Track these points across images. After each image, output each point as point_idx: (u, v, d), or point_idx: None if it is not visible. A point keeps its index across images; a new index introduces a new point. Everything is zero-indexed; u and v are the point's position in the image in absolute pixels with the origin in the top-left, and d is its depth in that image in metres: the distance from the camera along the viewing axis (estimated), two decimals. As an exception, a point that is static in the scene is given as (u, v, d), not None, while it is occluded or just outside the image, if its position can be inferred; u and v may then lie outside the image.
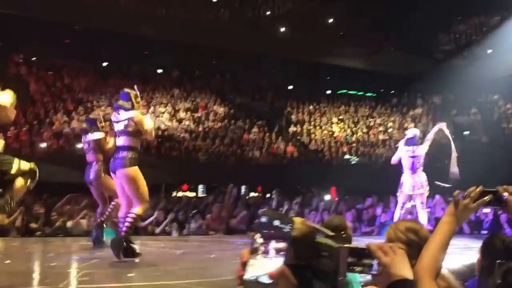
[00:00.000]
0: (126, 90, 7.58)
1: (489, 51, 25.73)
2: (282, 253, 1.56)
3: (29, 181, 5.25)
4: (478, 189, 2.06)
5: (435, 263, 1.99)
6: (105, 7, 21.73)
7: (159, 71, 25.24)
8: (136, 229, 11.40)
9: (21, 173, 5.17)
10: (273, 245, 1.57)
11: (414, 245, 2.49)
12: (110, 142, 8.91)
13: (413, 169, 10.32)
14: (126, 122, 7.40)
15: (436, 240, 2.03)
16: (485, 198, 2.05)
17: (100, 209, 9.35)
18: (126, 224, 7.30)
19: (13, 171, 5.08)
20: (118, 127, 7.50)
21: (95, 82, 21.91)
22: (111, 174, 7.64)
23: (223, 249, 9.32)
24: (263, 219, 1.58)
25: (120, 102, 7.50)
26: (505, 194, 2.05)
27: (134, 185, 7.40)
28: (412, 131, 10.63)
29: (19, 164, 5.17)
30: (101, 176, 8.93)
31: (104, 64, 24.23)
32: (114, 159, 7.50)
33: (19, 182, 5.16)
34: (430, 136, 10.57)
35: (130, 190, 7.41)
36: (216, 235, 11.83)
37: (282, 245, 1.57)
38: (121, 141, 7.46)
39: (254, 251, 1.54)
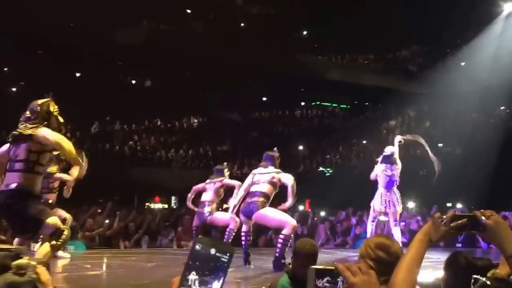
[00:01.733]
0: None
1: (462, 63, 26.06)
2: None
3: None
4: (456, 214, 2.04)
5: (410, 278, 1.95)
6: (80, 15, 21.54)
7: (133, 81, 25.07)
8: (108, 242, 11.23)
9: None
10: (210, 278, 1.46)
11: (383, 262, 2.58)
12: None
13: (388, 187, 10.32)
14: None
15: (409, 256, 2.00)
16: (461, 223, 2.01)
17: None
18: None
19: None
20: None
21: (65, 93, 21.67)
22: None
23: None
24: (198, 247, 1.46)
25: None
26: (483, 218, 2.02)
27: None
28: (390, 149, 10.63)
29: None
30: None
31: (78, 74, 24.00)
32: None
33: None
34: (396, 152, 10.59)
35: None
36: (188, 247, 11.67)
37: (218, 274, 1.46)
38: None
39: (184, 279, 1.44)
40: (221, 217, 10.07)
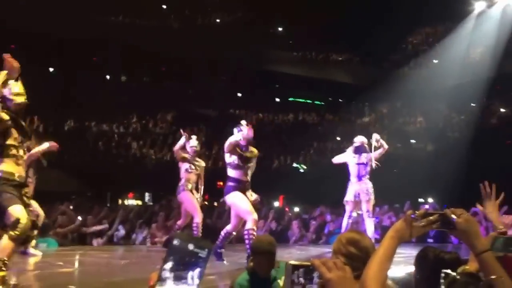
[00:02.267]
0: None
1: (435, 61, 26.34)
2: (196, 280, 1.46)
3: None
4: (427, 212, 2.08)
5: (381, 273, 1.98)
6: (50, 11, 21.28)
7: (107, 77, 24.86)
8: (81, 239, 11.13)
9: None
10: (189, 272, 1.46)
11: (354, 257, 2.60)
12: None
13: (359, 177, 10.37)
14: None
15: (381, 252, 2.03)
16: (432, 220, 2.05)
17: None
18: None
19: None
20: None
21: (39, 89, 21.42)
22: None
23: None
24: (176, 242, 1.46)
25: None
26: (453, 216, 2.06)
27: None
28: (360, 139, 10.67)
29: None
30: None
31: (51, 69, 23.72)
32: None
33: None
34: (385, 145, 10.61)
35: None
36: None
37: (197, 272, 1.47)
38: None
39: (162, 274, 1.44)
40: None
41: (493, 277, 2.00)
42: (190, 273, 1.44)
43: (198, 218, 9.61)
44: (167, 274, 1.42)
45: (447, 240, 11.60)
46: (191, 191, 9.96)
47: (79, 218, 11.36)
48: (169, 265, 1.43)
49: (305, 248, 11.40)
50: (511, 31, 23.83)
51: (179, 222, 10.06)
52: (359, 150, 10.47)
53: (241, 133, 8.19)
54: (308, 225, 13.46)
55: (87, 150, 18.55)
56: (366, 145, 10.54)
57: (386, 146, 10.52)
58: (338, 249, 2.69)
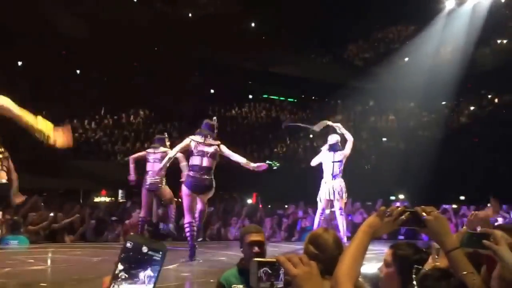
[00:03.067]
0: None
1: (406, 59, 26.57)
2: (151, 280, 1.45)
3: None
4: (399, 209, 2.10)
5: (354, 269, 1.99)
6: (22, 3, 20.99)
7: (78, 71, 24.56)
8: (52, 236, 11.02)
9: None
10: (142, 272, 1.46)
11: (312, 256, 2.67)
12: None
13: (333, 175, 10.43)
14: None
15: (354, 248, 2.04)
16: (403, 217, 2.08)
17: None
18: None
19: None
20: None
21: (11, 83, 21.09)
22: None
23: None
24: (128, 245, 1.45)
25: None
26: (423, 214, 2.09)
27: None
28: (334, 137, 10.74)
29: None
30: None
31: (20, 63, 23.35)
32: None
33: None
34: (349, 137, 10.68)
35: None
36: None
37: (150, 273, 1.46)
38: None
39: (115, 278, 1.43)
40: (169, 190, 10.44)
41: (464, 273, 2.04)
42: (143, 273, 1.42)
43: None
44: (119, 277, 1.41)
45: (417, 237, 11.74)
46: None
47: (51, 215, 11.25)
48: (121, 268, 1.42)
49: (277, 245, 11.45)
50: (481, 29, 24.15)
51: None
52: (333, 148, 10.54)
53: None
54: (281, 222, 13.51)
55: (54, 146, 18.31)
56: (339, 144, 10.62)
57: (350, 138, 10.64)
58: (304, 248, 2.84)
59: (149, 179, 10.32)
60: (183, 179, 8.76)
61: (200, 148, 8.36)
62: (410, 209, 2.11)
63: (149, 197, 10.43)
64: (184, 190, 8.37)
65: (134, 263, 1.41)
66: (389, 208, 2.12)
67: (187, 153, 8.57)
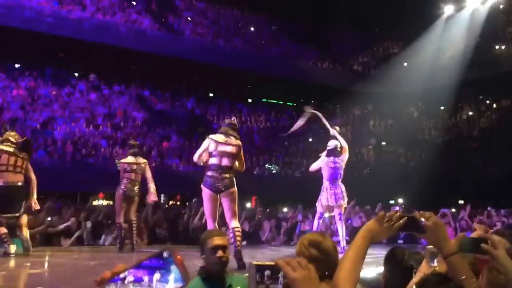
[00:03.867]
0: None
1: (405, 64, 26.61)
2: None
3: None
4: (398, 214, 2.09)
5: (354, 274, 1.98)
6: (20, 6, 20.99)
7: (76, 74, 24.54)
8: (48, 240, 10.97)
9: None
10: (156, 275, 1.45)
11: (316, 260, 2.58)
12: None
13: (332, 180, 10.42)
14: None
15: (353, 253, 2.04)
16: (402, 222, 2.07)
17: None
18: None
19: None
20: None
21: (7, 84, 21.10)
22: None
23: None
24: (165, 255, 1.47)
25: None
26: (422, 219, 2.08)
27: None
28: (333, 142, 10.73)
29: None
30: None
31: (17, 65, 23.34)
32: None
33: None
34: (343, 143, 10.67)
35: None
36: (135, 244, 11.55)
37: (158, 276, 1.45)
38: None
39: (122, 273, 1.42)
40: None
41: (463, 277, 2.03)
42: (150, 277, 1.42)
43: None
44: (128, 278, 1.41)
45: (417, 241, 11.72)
46: None
47: (49, 219, 11.20)
48: (141, 269, 1.42)
49: (277, 249, 11.41)
50: (479, 34, 24.20)
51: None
52: (332, 153, 10.54)
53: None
54: (280, 225, 13.50)
55: (56, 149, 18.32)
56: (338, 149, 10.61)
57: (345, 144, 10.64)
58: (301, 252, 2.71)
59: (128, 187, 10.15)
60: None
61: (220, 148, 8.14)
62: (408, 215, 2.10)
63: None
64: (205, 192, 7.88)
65: (155, 270, 1.42)
66: (388, 213, 2.11)
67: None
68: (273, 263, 1.70)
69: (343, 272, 1.98)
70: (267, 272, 1.69)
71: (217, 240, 3.79)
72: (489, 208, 14.20)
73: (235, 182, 7.96)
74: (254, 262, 1.71)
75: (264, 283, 1.69)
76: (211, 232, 4.15)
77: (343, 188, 10.41)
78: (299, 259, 1.70)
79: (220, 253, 3.74)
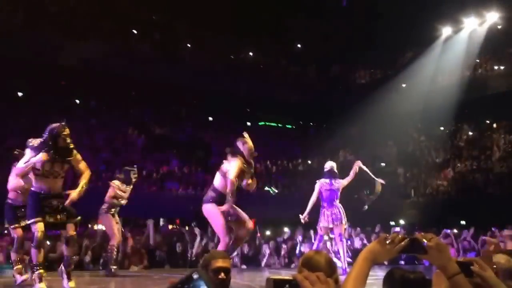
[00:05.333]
0: None
1: (404, 85, 26.70)
2: None
3: None
4: (400, 236, 2.10)
5: None
6: (20, 35, 21.12)
7: (76, 101, 24.63)
8: (49, 266, 10.90)
9: None
10: None
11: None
12: None
13: (330, 201, 10.43)
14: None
15: (355, 274, 2.04)
16: (404, 244, 2.08)
17: None
18: None
19: None
20: None
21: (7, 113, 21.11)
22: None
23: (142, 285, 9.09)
24: (195, 276, 1.48)
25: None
26: (424, 241, 2.09)
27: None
28: (329, 164, 10.77)
29: None
30: None
31: (20, 94, 23.47)
32: None
33: None
34: (351, 174, 10.71)
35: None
36: (136, 269, 11.52)
37: None
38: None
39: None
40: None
41: None
42: None
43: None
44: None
45: (419, 262, 11.68)
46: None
47: (47, 242, 11.15)
48: None
49: (277, 271, 11.35)
50: (478, 55, 24.33)
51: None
52: (327, 175, 10.56)
53: (246, 146, 8.08)
54: (279, 248, 13.45)
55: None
56: (335, 170, 10.63)
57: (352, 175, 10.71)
58: (299, 272, 2.66)
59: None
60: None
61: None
62: (410, 237, 2.12)
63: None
64: (215, 208, 7.79)
65: None
66: (390, 235, 2.12)
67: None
68: (291, 278, 1.68)
69: None
70: (285, 287, 1.66)
71: (221, 263, 3.80)
72: (493, 229, 14.18)
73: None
74: (272, 277, 1.69)
75: None
76: (216, 253, 4.15)
77: (342, 209, 10.41)
78: (318, 274, 1.69)
79: (222, 275, 3.75)
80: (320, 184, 10.60)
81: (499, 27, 24.23)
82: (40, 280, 7.10)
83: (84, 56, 22.15)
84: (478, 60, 25.29)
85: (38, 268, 7.17)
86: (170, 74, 24.01)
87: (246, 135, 8.11)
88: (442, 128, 26.71)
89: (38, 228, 7.13)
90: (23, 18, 21.68)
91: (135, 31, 25.12)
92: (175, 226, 18.03)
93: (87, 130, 21.84)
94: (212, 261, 3.81)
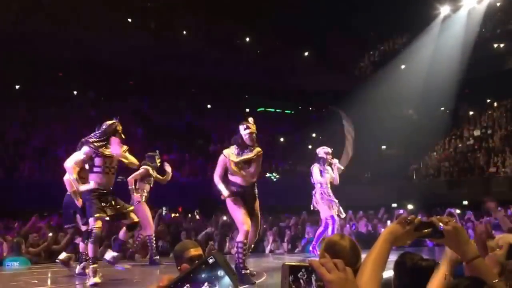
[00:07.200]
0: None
1: (403, 66, 26.56)
2: None
3: None
4: (417, 220, 2.02)
5: (375, 278, 1.91)
6: (18, 27, 21.02)
7: (75, 92, 24.57)
8: (52, 257, 10.90)
9: None
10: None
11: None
12: None
13: (326, 185, 10.46)
14: None
15: (374, 256, 1.96)
16: (425, 230, 2.01)
17: None
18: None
19: None
20: None
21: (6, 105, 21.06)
22: None
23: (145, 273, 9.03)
24: (210, 260, 1.43)
25: None
26: (441, 224, 2.02)
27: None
28: (323, 149, 10.76)
29: None
30: None
31: (17, 86, 23.39)
32: None
33: None
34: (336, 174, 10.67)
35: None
36: (141, 260, 11.51)
37: None
38: None
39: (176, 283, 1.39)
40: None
41: (495, 281, 1.97)
42: None
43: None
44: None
45: (422, 243, 11.69)
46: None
47: (50, 234, 11.19)
48: (188, 281, 1.38)
49: (281, 257, 11.35)
50: (477, 33, 24.15)
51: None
52: (319, 161, 10.58)
53: (247, 130, 7.96)
54: (284, 233, 13.43)
55: (56, 167, 18.24)
56: (328, 155, 10.60)
57: (350, 152, 10.70)
58: (321, 256, 2.63)
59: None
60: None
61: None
62: (426, 221, 2.04)
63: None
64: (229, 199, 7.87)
65: (204, 281, 1.37)
66: (409, 216, 2.03)
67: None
68: (307, 264, 1.62)
69: (364, 277, 1.90)
70: (300, 274, 1.61)
71: (193, 252, 3.85)
72: (499, 208, 14.14)
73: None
74: (287, 263, 1.63)
75: (297, 285, 1.61)
76: (186, 244, 4.12)
77: (333, 196, 10.42)
78: (335, 260, 1.63)
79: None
80: (315, 167, 10.62)
81: (498, 4, 24.05)
82: (95, 275, 7.16)
83: (81, 47, 22.05)
84: (477, 39, 25.12)
85: (93, 262, 7.28)
86: (167, 63, 23.93)
87: (251, 120, 7.95)
88: (442, 109, 26.64)
89: (97, 224, 7.25)
90: (18, 9, 21.54)
91: (129, 20, 24.97)
92: (177, 215, 18.06)
93: (86, 121, 21.76)
94: (185, 252, 3.85)
